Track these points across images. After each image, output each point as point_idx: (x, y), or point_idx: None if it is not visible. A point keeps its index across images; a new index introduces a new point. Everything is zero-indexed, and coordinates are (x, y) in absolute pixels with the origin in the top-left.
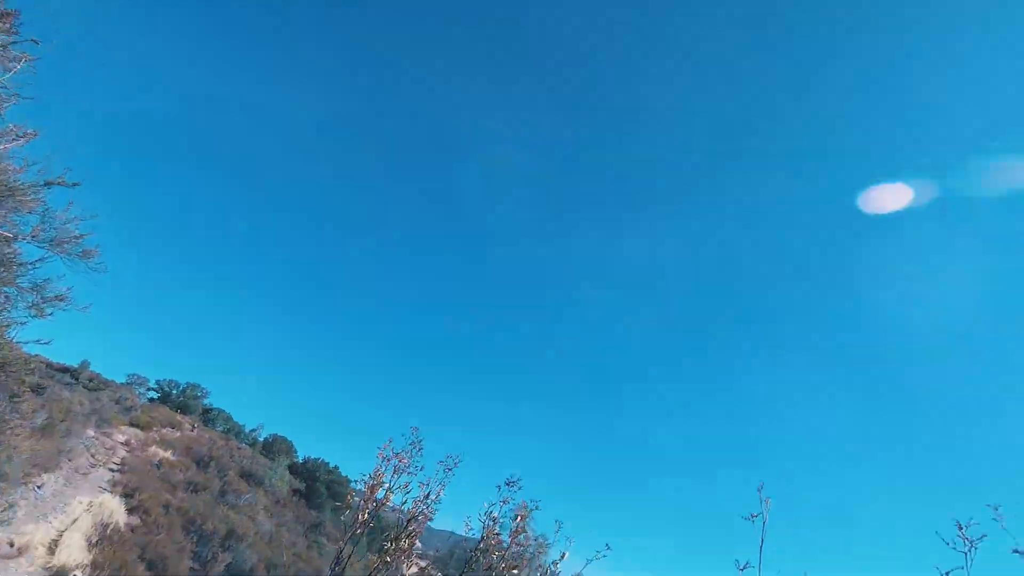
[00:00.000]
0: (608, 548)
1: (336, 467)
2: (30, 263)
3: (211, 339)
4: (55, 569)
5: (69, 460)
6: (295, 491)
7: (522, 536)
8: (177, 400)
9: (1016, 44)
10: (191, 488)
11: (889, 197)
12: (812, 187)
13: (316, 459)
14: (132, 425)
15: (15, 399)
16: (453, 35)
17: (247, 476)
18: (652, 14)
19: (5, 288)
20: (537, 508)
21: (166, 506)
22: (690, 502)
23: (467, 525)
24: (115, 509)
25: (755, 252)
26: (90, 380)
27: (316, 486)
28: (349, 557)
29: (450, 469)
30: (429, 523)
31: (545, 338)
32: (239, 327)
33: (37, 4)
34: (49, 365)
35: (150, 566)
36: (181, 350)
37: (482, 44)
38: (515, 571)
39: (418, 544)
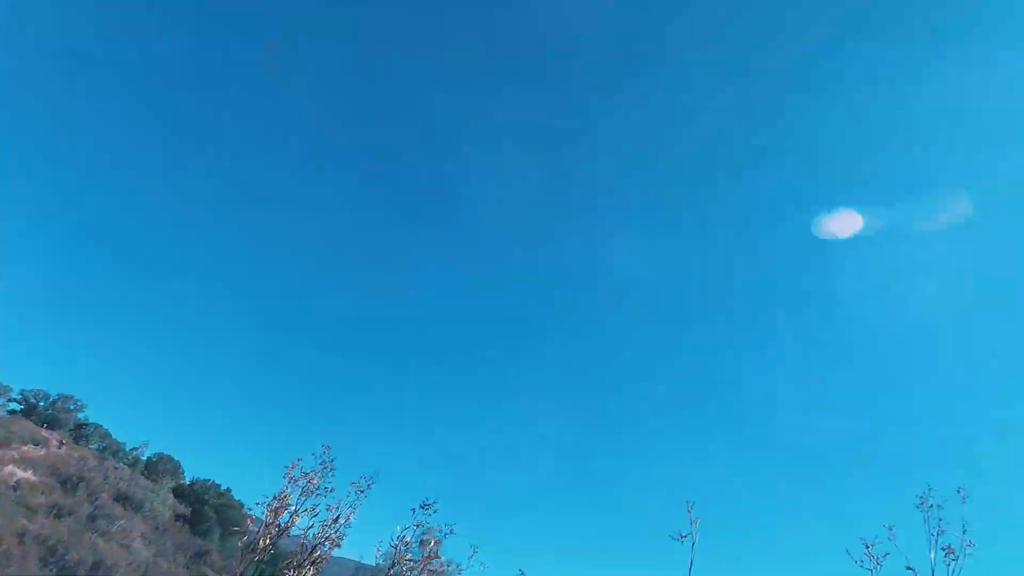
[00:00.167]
0: (522, 573)
1: (228, 489)
2: None
3: (91, 346)
4: None
5: None
6: (179, 516)
7: (434, 561)
8: (44, 413)
9: (961, 87)
10: (54, 513)
11: (842, 224)
12: (773, 212)
13: (205, 481)
14: None
15: None
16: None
17: (123, 499)
18: (617, 37)
19: None
20: (452, 532)
21: (22, 534)
22: (614, 523)
23: (377, 550)
24: None
25: (708, 273)
26: None
27: (204, 510)
28: None
29: (363, 491)
30: (333, 551)
31: (464, 357)
32: (123, 333)
33: None
34: None
35: None
36: (54, 357)
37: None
38: None
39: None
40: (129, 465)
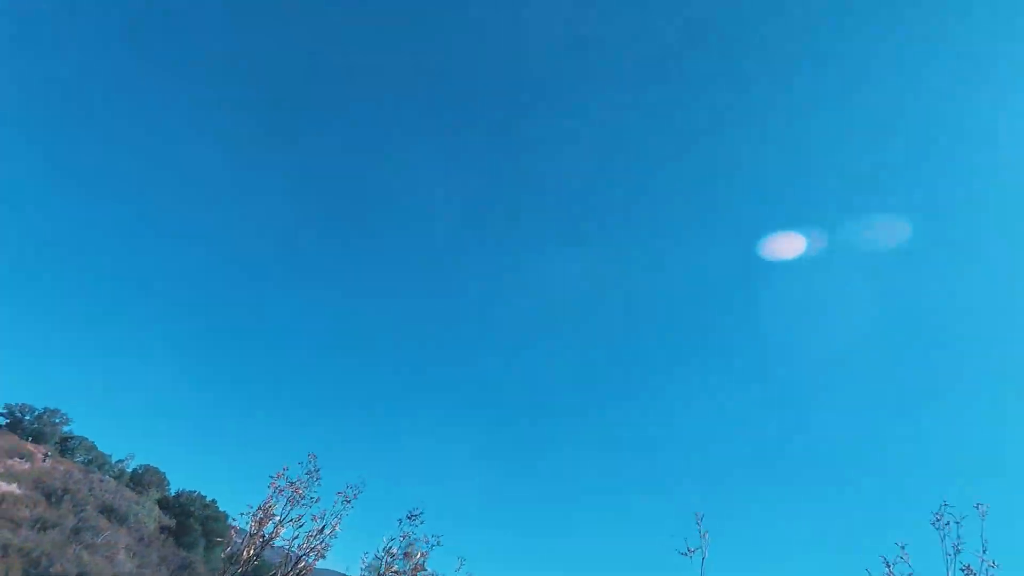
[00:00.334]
0: None
1: (214, 501)
2: None
3: (74, 359)
4: None
5: None
6: (164, 528)
7: (420, 574)
8: (30, 427)
9: (904, 110)
10: (38, 526)
11: (785, 245)
12: (713, 233)
13: (191, 492)
14: None
15: None
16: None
17: (109, 512)
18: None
19: None
20: (439, 543)
21: (4, 547)
22: (614, 537)
23: (363, 561)
24: None
25: (660, 291)
26: None
27: (189, 522)
28: None
29: (349, 500)
30: (317, 562)
31: (453, 368)
32: (107, 346)
33: None
34: None
35: None
36: (38, 371)
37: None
38: None
39: None
40: (115, 477)
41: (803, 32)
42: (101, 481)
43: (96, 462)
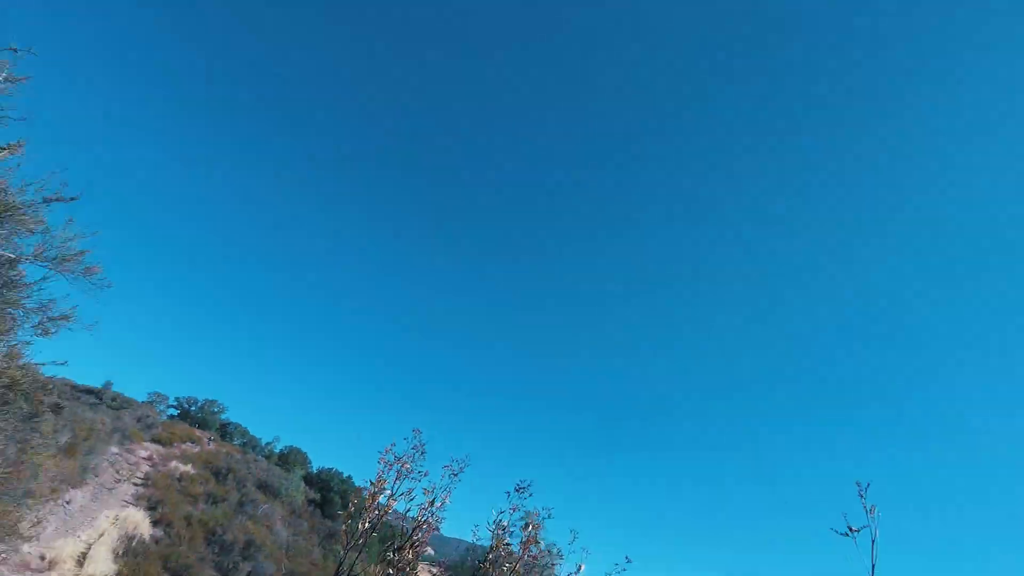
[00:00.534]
0: (628, 561)
1: (349, 476)
2: (34, 283)
3: (228, 356)
4: None
5: (95, 476)
6: (310, 501)
7: (533, 547)
8: (196, 416)
9: None
10: (211, 500)
11: None
12: None
13: (330, 469)
14: (154, 441)
15: (34, 419)
16: None
17: (264, 487)
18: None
19: (11, 310)
20: (550, 516)
21: (188, 518)
22: (740, 514)
23: (474, 533)
24: (140, 522)
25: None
26: (113, 399)
27: (330, 496)
28: (352, 567)
29: (456, 474)
30: (441, 531)
31: (560, 344)
32: (254, 343)
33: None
34: (73, 387)
35: (175, 575)
36: (199, 367)
37: None
38: None
39: (430, 550)
40: (266, 457)
41: None
42: (255, 461)
43: (250, 444)
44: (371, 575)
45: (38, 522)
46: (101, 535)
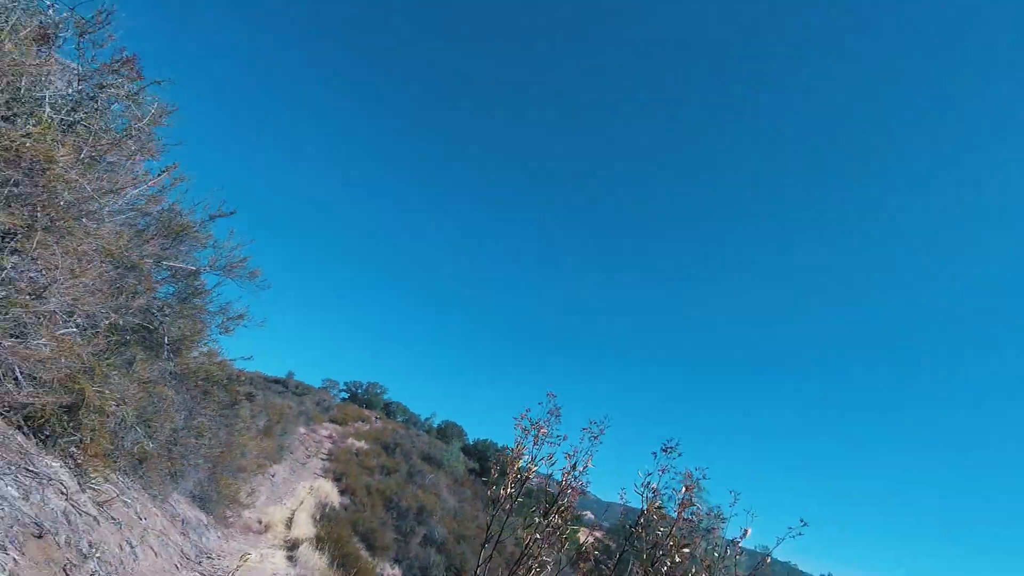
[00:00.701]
0: (804, 524)
1: (504, 446)
2: (211, 290)
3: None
4: (292, 541)
5: (290, 453)
6: (470, 470)
7: (690, 510)
8: (363, 398)
9: None
10: (384, 471)
11: None
12: None
13: (485, 440)
14: (332, 421)
15: (233, 407)
16: None
17: (428, 459)
18: None
19: (201, 315)
20: (704, 477)
21: (367, 488)
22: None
23: (622, 496)
24: (329, 491)
25: None
26: (296, 387)
27: (488, 465)
28: (499, 535)
29: (596, 437)
30: (599, 495)
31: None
32: (406, 329)
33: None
34: (264, 378)
35: (363, 538)
36: (362, 354)
37: None
38: (685, 549)
39: (589, 515)
40: (426, 432)
41: None
42: (417, 435)
43: (411, 421)
44: (520, 540)
45: (252, 492)
46: (301, 502)
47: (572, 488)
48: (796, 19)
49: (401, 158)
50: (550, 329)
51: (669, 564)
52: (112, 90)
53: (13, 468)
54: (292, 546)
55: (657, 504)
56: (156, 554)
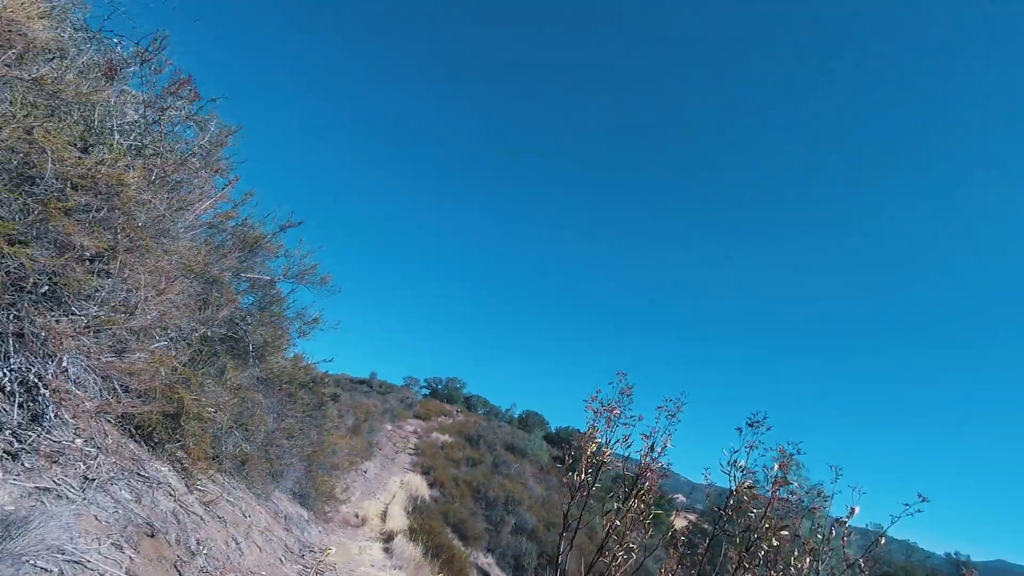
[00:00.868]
0: (923, 500)
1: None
2: (286, 297)
3: (462, 338)
4: (387, 534)
5: (379, 449)
6: (554, 458)
7: (785, 489)
8: (443, 393)
9: None
10: (470, 463)
11: None
12: None
13: (567, 427)
14: (416, 417)
15: (322, 407)
16: None
17: (511, 449)
18: None
19: (279, 322)
20: (799, 452)
21: (455, 479)
22: None
23: (706, 476)
24: (419, 485)
25: None
26: (379, 387)
27: (579, 454)
28: (578, 521)
29: (673, 415)
30: (689, 477)
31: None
32: (482, 324)
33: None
34: (350, 379)
35: (454, 528)
36: (441, 351)
37: None
38: (784, 532)
39: (681, 498)
40: (508, 422)
41: None
42: (499, 426)
43: (492, 412)
44: (601, 527)
45: (347, 488)
46: (393, 496)
47: (651, 470)
48: None
49: (464, 155)
50: (624, 312)
51: (766, 548)
52: (173, 112)
53: (126, 473)
54: (388, 538)
55: (747, 484)
56: (260, 549)
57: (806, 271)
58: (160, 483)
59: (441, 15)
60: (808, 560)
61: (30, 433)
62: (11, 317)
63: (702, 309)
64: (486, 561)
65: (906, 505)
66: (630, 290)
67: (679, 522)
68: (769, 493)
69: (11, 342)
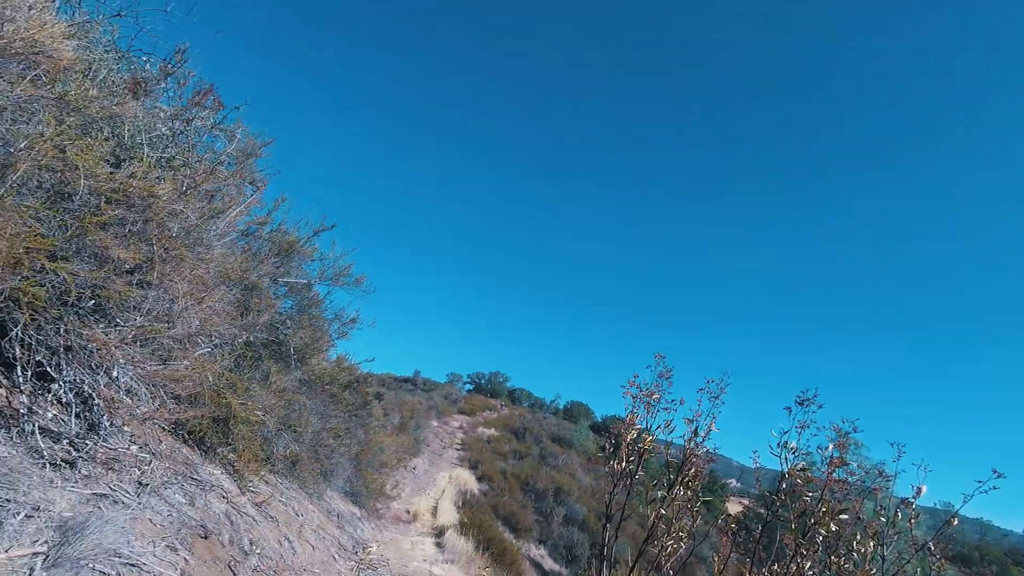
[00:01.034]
0: (998, 476)
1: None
2: (324, 299)
3: (502, 333)
4: (439, 528)
5: (427, 446)
6: (601, 448)
7: (842, 470)
8: (487, 388)
9: None
10: (517, 456)
11: None
12: None
13: (612, 416)
14: (461, 413)
15: (367, 407)
16: None
17: (558, 440)
18: None
19: (318, 324)
20: (856, 431)
21: (503, 473)
22: None
23: (755, 459)
24: (468, 479)
25: None
26: (423, 384)
27: (619, 441)
28: (623, 509)
29: (716, 397)
30: (740, 460)
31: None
32: (520, 318)
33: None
34: (395, 379)
35: (504, 521)
36: (482, 347)
37: None
38: (843, 515)
39: (735, 483)
40: (553, 414)
41: None
42: (544, 418)
43: (537, 405)
44: (645, 516)
45: (396, 485)
46: (443, 491)
47: (696, 456)
48: None
49: (496, 153)
50: (666, 296)
51: (825, 534)
52: (199, 122)
53: (179, 477)
54: (439, 533)
55: (800, 466)
56: (313, 547)
57: (874, 244)
58: (213, 486)
59: (463, 8)
60: (871, 544)
61: (87, 442)
62: (60, 331)
63: (755, 289)
64: (538, 553)
65: (979, 482)
66: (671, 276)
67: (733, 507)
68: (824, 475)
69: (62, 355)
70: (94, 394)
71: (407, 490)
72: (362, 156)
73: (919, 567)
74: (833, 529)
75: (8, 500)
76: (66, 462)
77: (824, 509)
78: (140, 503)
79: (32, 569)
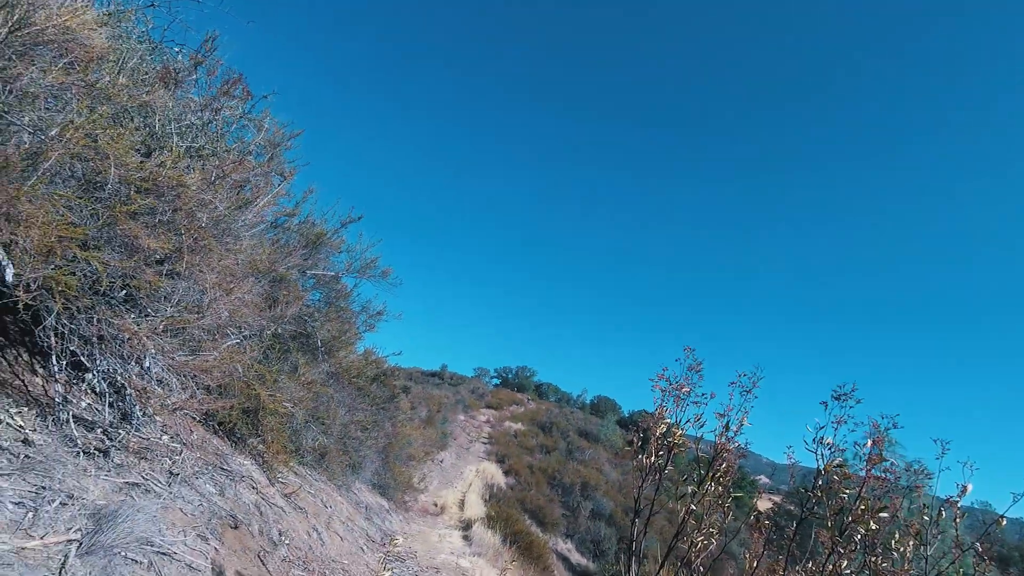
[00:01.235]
0: None
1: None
2: (351, 291)
3: (529, 327)
4: (466, 521)
5: (454, 440)
6: (629, 442)
7: (880, 466)
8: (514, 382)
9: None
10: (543, 450)
11: None
12: None
13: (640, 411)
14: (488, 407)
15: (394, 400)
16: None
17: (584, 435)
18: None
19: (345, 316)
20: (895, 427)
21: (529, 467)
22: None
23: (789, 456)
24: (495, 473)
25: None
26: (451, 378)
27: (648, 436)
28: (651, 505)
29: (748, 391)
30: (772, 457)
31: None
32: (547, 312)
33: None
34: (422, 373)
35: (531, 515)
36: (508, 341)
37: None
38: (883, 514)
39: (764, 479)
40: (579, 408)
41: None
42: (571, 413)
43: (563, 399)
44: (676, 511)
45: (424, 477)
46: (470, 485)
47: (727, 451)
48: None
49: (527, 146)
50: (694, 293)
51: (864, 532)
52: (227, 111)
53: (210, 468)
54: (466, 526)
55: (836, 462)
56: (342, 538)
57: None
58: (243, 476)
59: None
60: (912, 543)
61: (120, 431)
62: (93, 321)
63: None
64: (565, 547)
65: None
66: (702, 270)
67: (762, 504)
68: (863, 472)
69: (95, 345)
70: (126, 384)
71: (434, 483)
72: (388, 150)
73: (962, 568)
74: (873, 527)
75: (44, 488)
76: (99, 451)
77: (863, 507)
78: (171, 492)
79: (67, 556)
